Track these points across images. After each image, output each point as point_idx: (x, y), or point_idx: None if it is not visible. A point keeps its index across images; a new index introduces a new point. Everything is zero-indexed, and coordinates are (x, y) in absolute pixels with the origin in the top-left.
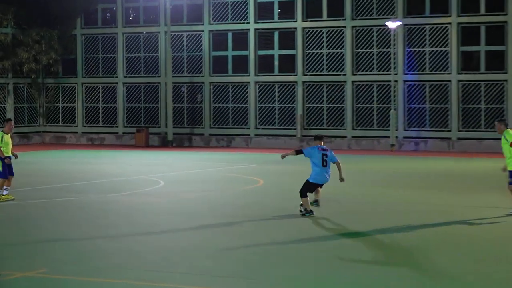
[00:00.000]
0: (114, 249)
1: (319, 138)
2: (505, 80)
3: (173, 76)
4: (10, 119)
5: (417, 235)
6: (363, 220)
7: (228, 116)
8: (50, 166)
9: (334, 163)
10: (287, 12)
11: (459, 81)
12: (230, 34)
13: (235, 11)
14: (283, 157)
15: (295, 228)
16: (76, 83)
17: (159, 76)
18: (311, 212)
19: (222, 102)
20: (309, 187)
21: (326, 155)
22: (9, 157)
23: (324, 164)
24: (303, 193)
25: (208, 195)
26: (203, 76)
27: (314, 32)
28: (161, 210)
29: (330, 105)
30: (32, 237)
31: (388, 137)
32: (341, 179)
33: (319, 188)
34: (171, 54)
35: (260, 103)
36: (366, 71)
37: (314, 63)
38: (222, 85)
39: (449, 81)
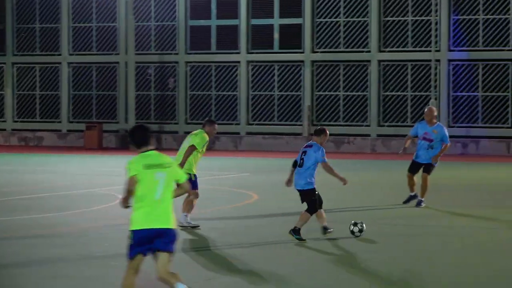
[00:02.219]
0: None
1: (318, 132)
2: None
3: (136, 54)
4: None
5: None
6: None
7: (211, 108)
8: None
9: (320, 163)
10: None
11: None
12: None
13: None
14: (288, 184)
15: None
16: (4, 63)
17: (118, 54)
18: (297, 231)
19: (203, 89)
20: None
21: (305, 152)
22: None
23: (301, 163)
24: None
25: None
26: (177, 54)
27: None
28: (122, 235)
29: (348, 92)
30: None
31: None
32: (343, 180)
33: (321, 211)
34: (133, 24)
35: (254, 90)
36: (397, 46)
37: (327, 37)
38: (202, 66)
39: (510, 60)
